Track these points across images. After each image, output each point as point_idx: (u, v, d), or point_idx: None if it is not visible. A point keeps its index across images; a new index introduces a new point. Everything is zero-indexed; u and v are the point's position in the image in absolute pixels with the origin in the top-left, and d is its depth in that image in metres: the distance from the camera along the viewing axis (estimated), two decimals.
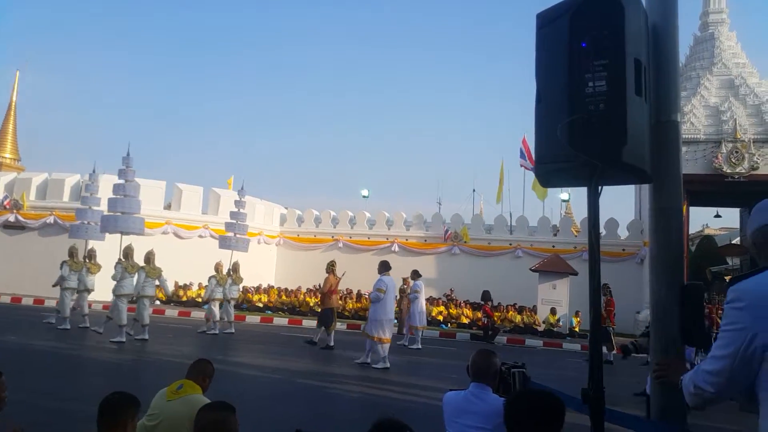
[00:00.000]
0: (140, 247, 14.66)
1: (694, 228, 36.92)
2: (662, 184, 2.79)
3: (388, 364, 11.70)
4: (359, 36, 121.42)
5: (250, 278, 25.44)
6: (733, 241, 31.77)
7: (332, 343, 14.03)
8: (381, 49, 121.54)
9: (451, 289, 23.67)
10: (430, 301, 22.86)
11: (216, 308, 16.15)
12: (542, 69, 2.58)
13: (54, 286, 15.80)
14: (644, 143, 2.47)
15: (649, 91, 2.59)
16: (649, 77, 2.57)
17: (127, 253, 14.17)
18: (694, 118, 20.82)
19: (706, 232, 39.14)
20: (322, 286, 15.10)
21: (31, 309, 18.31)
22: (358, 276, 24.11)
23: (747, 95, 21.14)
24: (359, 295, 23.42)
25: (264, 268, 27.73)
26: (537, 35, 2.61)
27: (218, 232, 21.83)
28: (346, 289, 24.08)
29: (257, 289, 24.38)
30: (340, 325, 20.43)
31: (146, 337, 13.54)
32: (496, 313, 20.39)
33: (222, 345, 13.99)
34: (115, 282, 13.85)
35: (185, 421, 3.48)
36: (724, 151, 20.21)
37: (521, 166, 26.55)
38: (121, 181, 15.49)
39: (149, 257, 14.23)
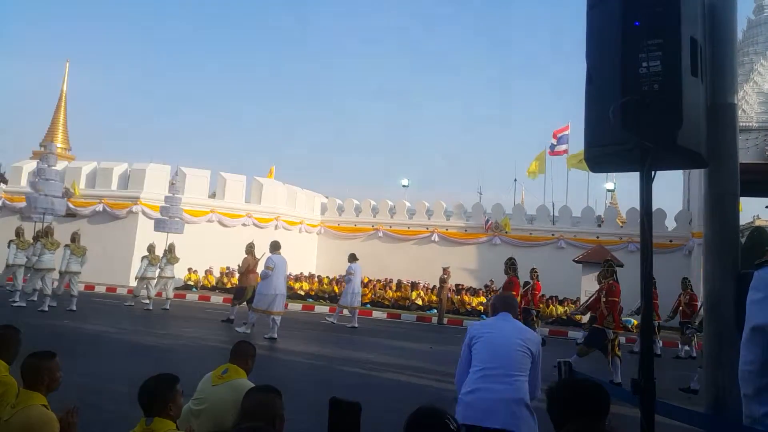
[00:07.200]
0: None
1: (744, 219, 35.82)
2: (718, 169, 2.70)
3: (249, 331, 12.75)
4: (400, 22, 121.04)
5: (292, 266, 25.65)
6: None
7: (233, 317, 14.95)
8: (422, 37, 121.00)
9: (491, 280, 23.46)
10: (471, 291, 22.76)
11: (151, 286, 17.14)
12: (593, 49, 2.49)
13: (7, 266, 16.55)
14: (700, 126, 2.38)
15: (706, 72, 2.49)
16: (705, 58, 2.47)
17: (47, 231, 15.65)
18: (746, 105, 20.10)
19: (757, 223, 37.95)
20: (240, 265, 15.77)
21: (86, 294, 18.86)
22: (398, 265, 24.15)
23: None
24: (399, 285, 23.43)
25: (305, 257, 27.97)
26: (588, 14, 2.52)
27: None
28: (385, 279, 24.13)
29: (297, 278, 24.60)
30: (379, 314, 20.57)
31: (74, 308, 14.60)
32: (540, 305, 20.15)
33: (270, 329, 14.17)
34: (35, 258, 15.04)
35: (230, 406, 3.53)
36: None
37: (552, 153, 26.22)
38: (44, 166, 17.32)
39: (74, 237, 15.40)
